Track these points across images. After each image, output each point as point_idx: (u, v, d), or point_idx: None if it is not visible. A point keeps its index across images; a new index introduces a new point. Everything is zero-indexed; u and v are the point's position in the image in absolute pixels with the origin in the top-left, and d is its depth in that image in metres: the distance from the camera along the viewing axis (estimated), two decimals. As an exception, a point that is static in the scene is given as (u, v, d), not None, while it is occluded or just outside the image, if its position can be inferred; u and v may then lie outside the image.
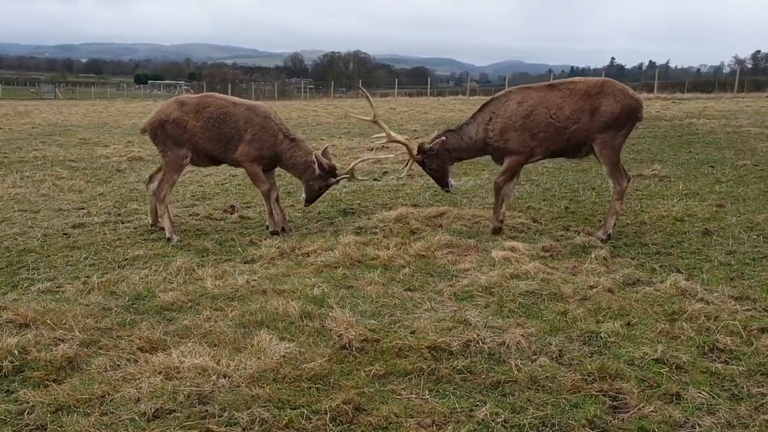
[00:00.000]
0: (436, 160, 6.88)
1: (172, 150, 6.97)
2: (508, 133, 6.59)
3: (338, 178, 7.06)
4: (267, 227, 7.14)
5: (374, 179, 10.32)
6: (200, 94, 7.31)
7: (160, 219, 7.12)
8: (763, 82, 50.08)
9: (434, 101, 36.96)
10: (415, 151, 6.94)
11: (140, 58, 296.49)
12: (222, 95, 7.26)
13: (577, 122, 6.44)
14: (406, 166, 7.39)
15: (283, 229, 7.11)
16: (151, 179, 7.46)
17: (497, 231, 6.68)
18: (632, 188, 9.06)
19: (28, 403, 3.34)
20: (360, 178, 7.47)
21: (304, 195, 7.20)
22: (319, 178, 6.90)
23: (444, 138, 6.78)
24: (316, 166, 6.80)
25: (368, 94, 7.61)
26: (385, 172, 10.98)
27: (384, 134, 7.01)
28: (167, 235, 6.87)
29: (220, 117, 6.87)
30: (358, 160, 7.94)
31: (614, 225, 6.60)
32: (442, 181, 7.04)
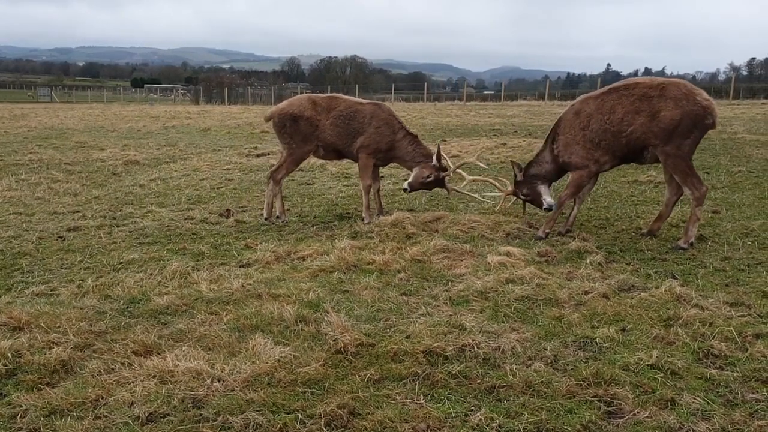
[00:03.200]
0: (525, 186, 7.04)
1: (299, 145, 7.63)
2: (571, 147, 6.60)
3: (448, 172, 7.57)
4: (362, 219, 7.63)
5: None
6: (328, 95, 7.91)
7: (271, 199, 7.80)
8: (758, 89, 50.31)
9: (431, 106, 37.00)
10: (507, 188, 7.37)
11: (137, 61, 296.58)
12: (347, 96, 7.96)
13: (631, 125, 6.24)
14: (500, 202, 7.64)
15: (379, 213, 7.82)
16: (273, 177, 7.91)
17: (540, 239, 6.69)
18: (627, 194, 9.10)
19: (21, 406, 3.32)
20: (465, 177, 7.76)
21: (409, 180, 7.63)
22: (433, 168, 7.46)
23: (514, 164, 7.10)
24: (435, 156, 7.45)
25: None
26: (381, 176, 10.98)
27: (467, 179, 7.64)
28: (276, 214, 7.81)
29: (349, 114, 7.54)
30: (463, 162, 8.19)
31: (696, 232, 6.39)
32: (538, 202, 7.04)
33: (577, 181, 6.68)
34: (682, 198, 6.88)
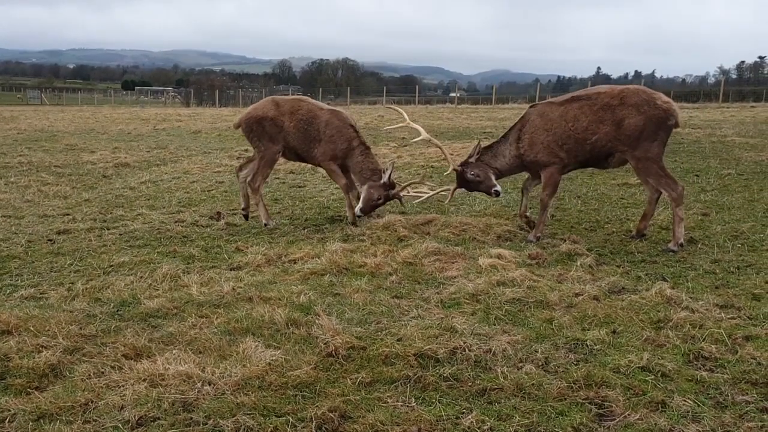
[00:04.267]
0: (477, 168, 7.05)
1: (267, 146, 7.65)
2: (536, 146, 6.73)
3: (397, 191, 7.58)
4: (346, 218, 7.69)
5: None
6: (293, 97, 8.07)
7: (255, 207, 7.84)
8: (747, 92, 50.71)
9: (422, 109, 37.03)
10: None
11: (128, 64, 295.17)
12: (312, 100, 7.92)
13: (596, 133, 6.42)
14: (450, 194, 7.60)
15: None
16: (241, 168, 8.07)
17: (533, 241, 6.72)
18: (618, 197, 9.13)
19: (10, 410, 3.30)
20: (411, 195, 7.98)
21: (360, 204, 7.48)
22: (382, 188, 7.40)
23: (480, 144, 7.13)
24: (386, 175, 7.37)
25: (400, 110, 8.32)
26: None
27: (422, 137, 7.61)
28: (263, 221, 7.67)
29: (308, 119, 7.54)
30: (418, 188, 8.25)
31: (683, 232, 6.44)
32: (487, 185, 7.08)
33: (550, 178, 6.77)
34: (663, 201, 6.91)
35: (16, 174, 11.81)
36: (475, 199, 8.95)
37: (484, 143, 7.27)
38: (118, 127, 23.53)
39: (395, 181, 7.64)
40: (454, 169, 7.16)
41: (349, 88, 60.21)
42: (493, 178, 7.06)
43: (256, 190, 7.69)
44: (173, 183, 11.01)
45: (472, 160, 7.07)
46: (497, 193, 7.14)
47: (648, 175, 6.47)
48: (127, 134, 20.85)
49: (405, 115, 7.90)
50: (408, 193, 7.83)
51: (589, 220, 7.78)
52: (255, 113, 7.66)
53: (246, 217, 7.89)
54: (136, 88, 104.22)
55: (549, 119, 6.65)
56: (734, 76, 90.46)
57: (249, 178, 7.75)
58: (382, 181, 7.38)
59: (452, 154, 7.74)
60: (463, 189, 7.34)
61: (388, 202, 7.69)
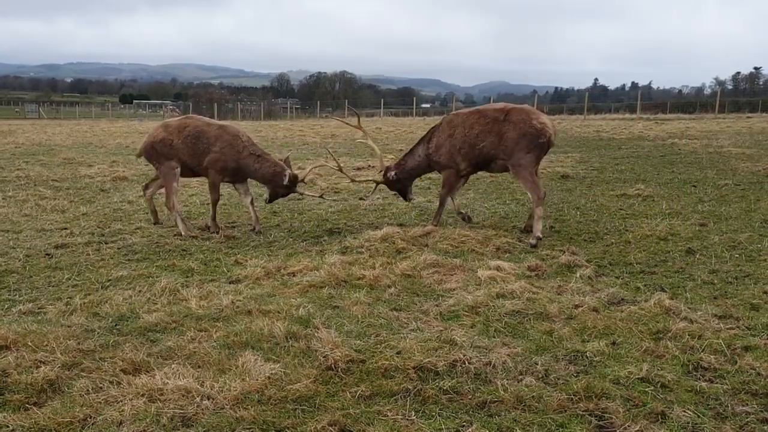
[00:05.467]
0: (402, 178, 8.20)
1: (164, 163, 8.14)
2: (441, 149, 7.79)
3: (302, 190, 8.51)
4: (208, 227, 8.26)
5: (360, 198, 10.34)
6: (180, 117, 8.62)
7: (171, 214, 8.35)
8: (743, 103, 50.93)
9: (420, 121, 37.15)
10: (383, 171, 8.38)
11: (125, 77, 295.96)
12: (200, 117, 8.53)
13: (484, 141, 7.46)
14: (372, 190, 8.93)
15: (254, 230, 8.22)
16: (147, 186, 8.83)
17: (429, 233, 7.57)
18: (616, 207, 9.15)
19: (8, 426, 3.28)
20: (308, 193, 8.92)
21: (267, 196, 8.48)
22: (286, 187, 8.15)
23: (406, 155, 8.25)
24: (286, 178, 8.04)
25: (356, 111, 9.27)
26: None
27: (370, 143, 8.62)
28: (182, 233, 7.96)
29: (195, 134, 8.05)
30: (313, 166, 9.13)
31: (541, 228, 7.29)
32: (404, 193, 8.42)
33: (448, 178, 7.85)
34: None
35: (14, 188, 11.81)
36: (473, 211, 8.97)
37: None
38: (116, 141, 23.57)
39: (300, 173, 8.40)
40: (383, 169, 8.27)
41: (346, 100, 60.38)
42: (409, 188, 8.39)
43: (171, 208, 8.17)
44: (171, 196, 10.99)
45: (399, 167, 8.15)
46: (411, 200, 8.57)
47: (519, 180, 7.56)
48: (125, 148, 20.88)
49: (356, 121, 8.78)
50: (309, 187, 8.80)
51: (588, 231, 7.79)
52: (149, 140, 8.22)
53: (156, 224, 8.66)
54: (134, 101, 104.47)
55: (454, 126, 7.69)
56: (730, 87, 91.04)
57: (165, 202, 8.40)
58: (285, 183, 8.06)
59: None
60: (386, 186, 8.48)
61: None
